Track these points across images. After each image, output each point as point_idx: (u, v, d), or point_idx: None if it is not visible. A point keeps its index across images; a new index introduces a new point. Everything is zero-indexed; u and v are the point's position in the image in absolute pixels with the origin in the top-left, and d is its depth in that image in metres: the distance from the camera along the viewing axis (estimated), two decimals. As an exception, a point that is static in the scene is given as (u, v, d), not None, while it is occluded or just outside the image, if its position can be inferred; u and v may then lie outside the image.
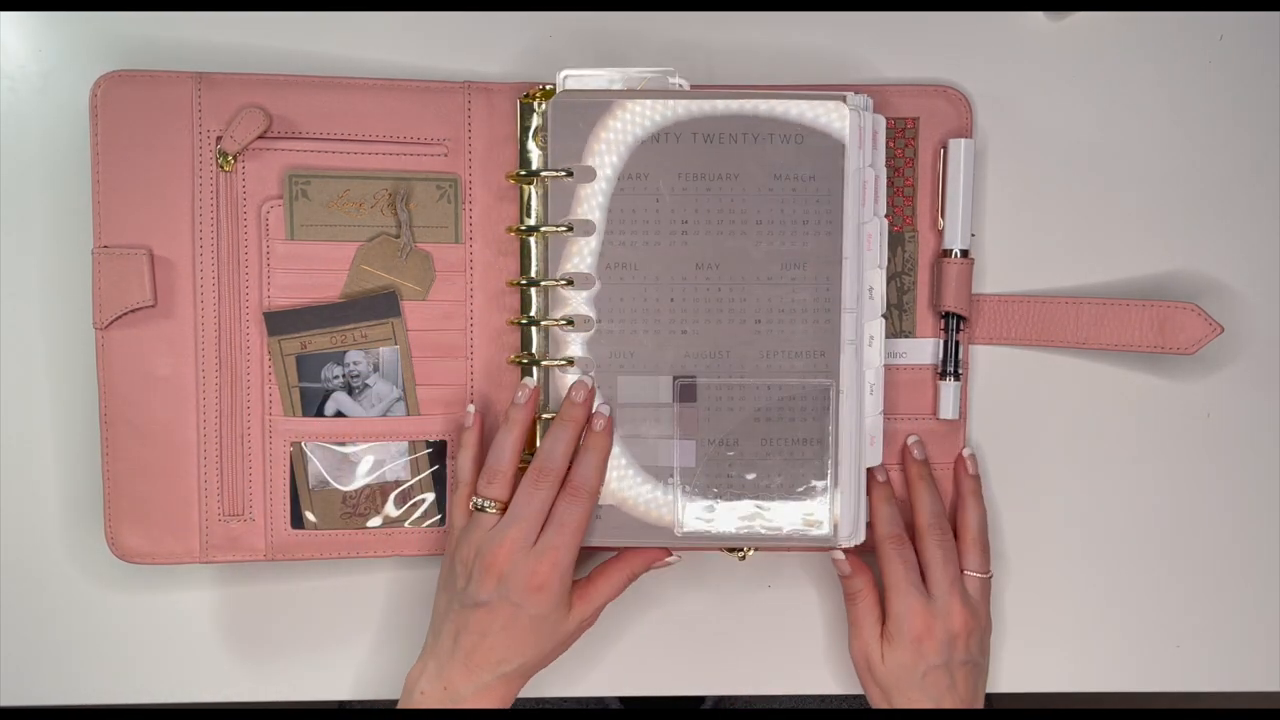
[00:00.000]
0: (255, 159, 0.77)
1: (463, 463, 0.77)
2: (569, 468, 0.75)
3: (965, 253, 0.79)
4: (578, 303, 0.76)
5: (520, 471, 0.75)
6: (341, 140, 0.77)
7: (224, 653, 0.82)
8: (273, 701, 0.83)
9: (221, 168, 0.77)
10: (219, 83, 0.76)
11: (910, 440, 0.81)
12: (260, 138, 0.76)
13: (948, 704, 0.76)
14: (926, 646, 0.76)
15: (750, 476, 0.76)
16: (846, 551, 0.79)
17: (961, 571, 0.78)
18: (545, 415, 0.77)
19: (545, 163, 0.76)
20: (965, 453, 0.81)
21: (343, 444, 0.78)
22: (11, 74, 0.79)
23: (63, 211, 0.79)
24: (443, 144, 0.78)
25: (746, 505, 0.76)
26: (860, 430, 0.77)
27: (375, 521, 0.79)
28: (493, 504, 0.74)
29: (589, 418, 0.76)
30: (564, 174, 0.75)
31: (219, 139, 0.76)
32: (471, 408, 0.78)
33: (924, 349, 0.81)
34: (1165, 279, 0.82)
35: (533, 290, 0.77)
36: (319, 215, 0.77)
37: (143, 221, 0.76)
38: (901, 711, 0.76)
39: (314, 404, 0.78)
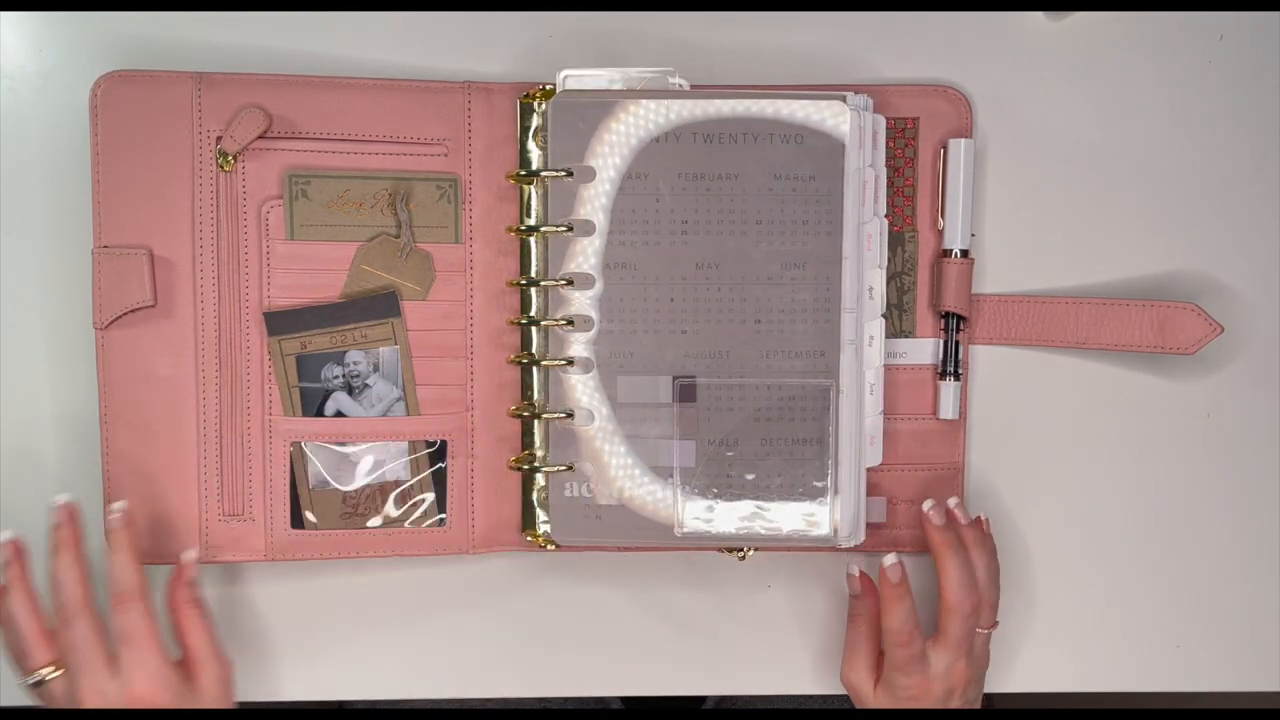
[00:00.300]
0: (255, 159, 0.77)
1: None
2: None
3: (965, 253, 0.79)
4: (578, 303, 0.76)
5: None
6: (341, 140, 0.77)
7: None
8: (273, 701, 0.82)
9: (221, 168, 0.77)
10: (219, 83, 0.76)
11: (927, 507, 0.77)
12: (260, 138, 0.76)
13: None
14: (922, 702, 0.75)
15: (750, 477, 0.76)
16: (862, 572, 0.79)
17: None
18: (546, 415, 0.77)
19: (545, 163, 0.76)
20: (952, 503, 0.78)
21: (343, 444, 0.78)
22: (11, 74, 0.78)
23: (63, 211, 0.79)
24: (443, 144, 0.78)
25: (746, 505, 0.76)
26: (860, 430, 0.77)
27: (375, 521, 0.79)
28: (48, 669, 0.70)
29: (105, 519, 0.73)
30: (564, 174, 0.75)
31: (219, 139, 0.76)
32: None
33: (924, 349, 0.81)
34: (1165, 279, 0.82)
35: (533, 290, 0.77)
36: (319, 215, 0.77)
37: (143, 221, 0.76)
38: (900, 712, 0.76)
39: (314, 404, 0.78)
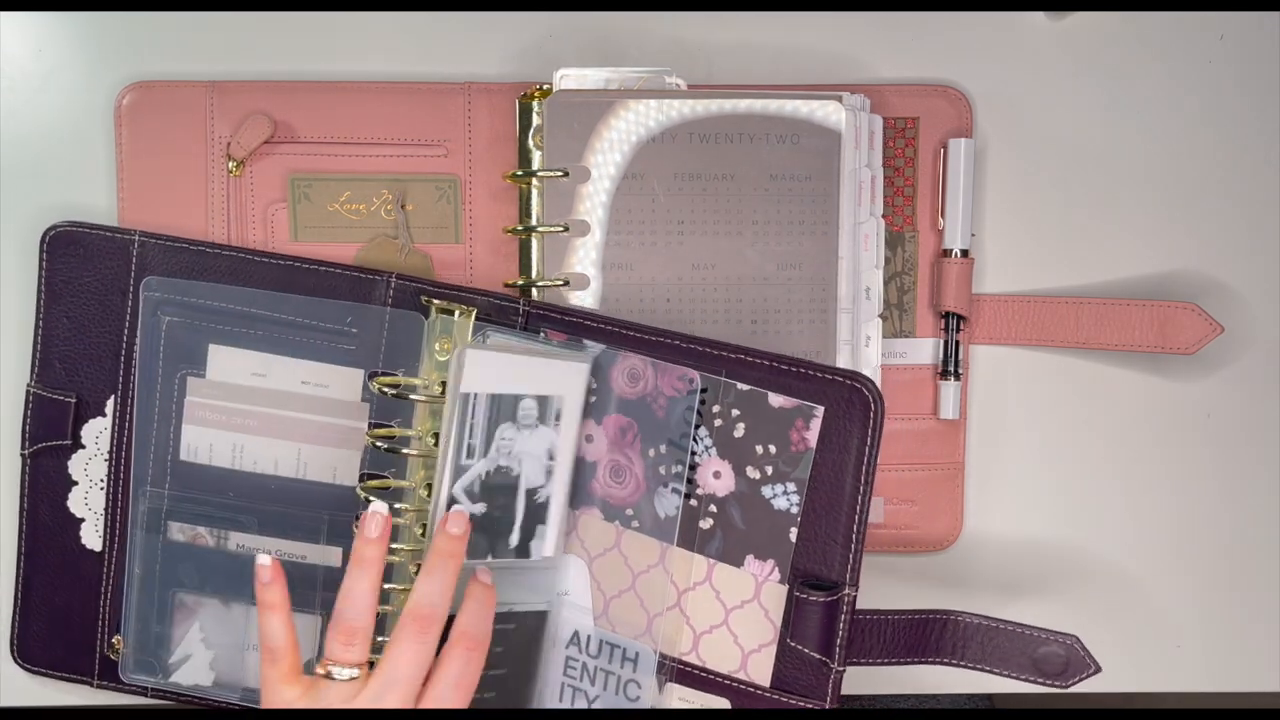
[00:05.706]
0: (261, 162, 0.78)
1: (274, 629, 0.64)
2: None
3: (965, 253, 0.79)
4: (575, 303, 0.76)
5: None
6: (343, 144, 0.78)
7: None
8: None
9: (230, 173, 0.78)
10: (229, 90, 0.78)
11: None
12: (266, 142, 0.77)
13: None
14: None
15: None
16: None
17: None
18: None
19: (542, 163, 0.77)
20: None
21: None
22: (11, 74, 0.79)
23: (62, 212, 0.79)
24: (442, 145, 0.78)
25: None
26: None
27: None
28: (351, 669, 0.62)
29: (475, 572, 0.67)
30: (560, 174, 0.75)
31: (228, 145, 0.78)
32: (266, 558, 0.65)
33: (924, 349, 0.81)
34: (1165, 279, 0.82)
35: (531, 291, 0.78)
36: (321, 217, 0.78)
37: (159, 224, 0.78)
38: (897, 711, 0.76)
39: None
